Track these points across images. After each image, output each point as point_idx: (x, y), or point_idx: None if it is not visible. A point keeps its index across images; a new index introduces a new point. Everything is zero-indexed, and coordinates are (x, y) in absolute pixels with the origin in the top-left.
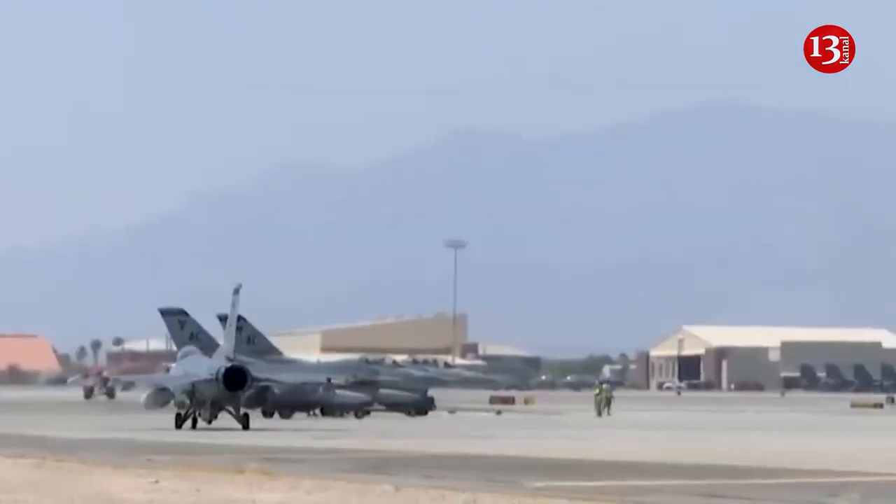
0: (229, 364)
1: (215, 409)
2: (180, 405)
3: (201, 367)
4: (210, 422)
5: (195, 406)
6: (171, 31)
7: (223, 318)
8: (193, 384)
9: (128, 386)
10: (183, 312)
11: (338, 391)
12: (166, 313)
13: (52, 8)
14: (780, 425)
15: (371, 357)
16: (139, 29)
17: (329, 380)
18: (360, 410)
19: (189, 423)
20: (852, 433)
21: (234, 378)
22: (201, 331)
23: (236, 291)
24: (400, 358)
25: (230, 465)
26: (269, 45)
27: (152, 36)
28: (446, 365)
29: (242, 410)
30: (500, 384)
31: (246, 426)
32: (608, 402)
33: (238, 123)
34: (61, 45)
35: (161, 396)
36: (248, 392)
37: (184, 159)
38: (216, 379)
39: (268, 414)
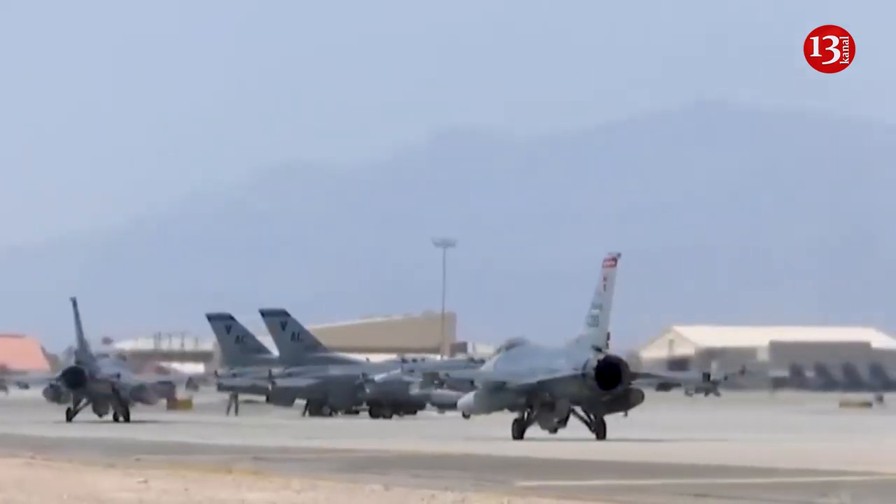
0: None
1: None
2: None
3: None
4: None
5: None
6: (165, 29)
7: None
8: None
9: (23, 384)
10: (230, 317)
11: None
12: (213, 318)
13: (44, 8)
14: (769, 425)
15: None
16: (133, 28)
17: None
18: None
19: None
20: (841, 433)
21: (74, 377)
22: (247, 334)
23: (74, 304)
24: (390, 357)
25: (219, 465)
26: (261, 45)
27: (146, 35)
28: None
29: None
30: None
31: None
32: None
33: (228, 123)
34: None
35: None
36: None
37: (174, 159)
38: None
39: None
